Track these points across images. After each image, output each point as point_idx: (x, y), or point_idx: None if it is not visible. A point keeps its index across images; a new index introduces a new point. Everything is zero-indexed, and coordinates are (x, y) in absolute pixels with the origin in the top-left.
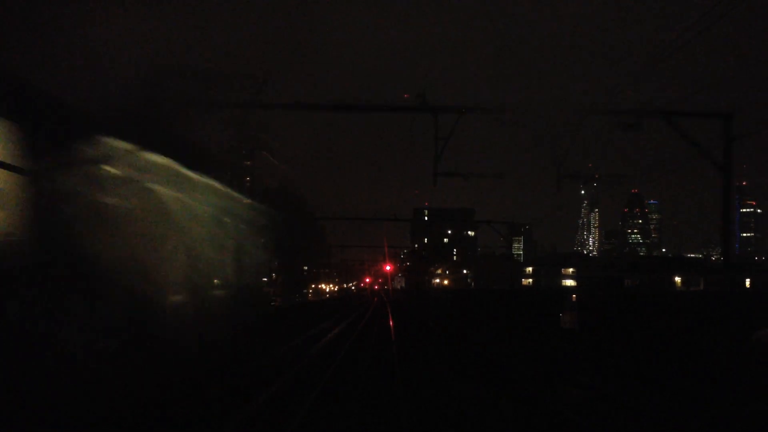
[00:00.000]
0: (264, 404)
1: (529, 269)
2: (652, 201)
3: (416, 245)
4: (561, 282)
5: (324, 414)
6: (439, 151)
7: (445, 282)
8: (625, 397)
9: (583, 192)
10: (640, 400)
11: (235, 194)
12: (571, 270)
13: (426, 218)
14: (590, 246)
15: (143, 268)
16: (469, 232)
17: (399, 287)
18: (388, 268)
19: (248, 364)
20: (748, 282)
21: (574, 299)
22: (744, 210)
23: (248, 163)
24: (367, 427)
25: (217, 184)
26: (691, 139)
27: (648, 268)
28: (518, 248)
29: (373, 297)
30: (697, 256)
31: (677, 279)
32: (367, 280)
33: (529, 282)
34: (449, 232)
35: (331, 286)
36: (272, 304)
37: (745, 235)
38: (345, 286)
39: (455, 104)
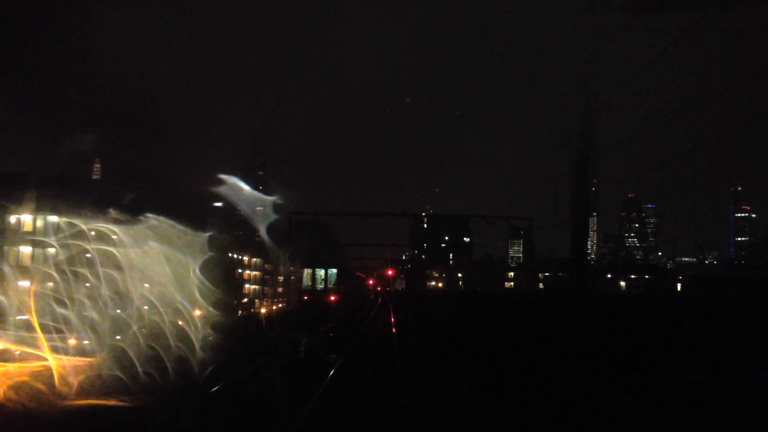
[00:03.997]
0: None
1: (511, 274)
2: (649, 205)
3: (416, 251)
4: (538, 284)
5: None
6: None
7: (440, 284)
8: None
9: None
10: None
11: None
12: (547, 274)
13: (425, 225)
14: (588, 249)
15: None
16: (465, 238)
17: (400, 288)
18: (390, 272)
19: None
20: (679, 286)
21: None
22: (739, 215)
23: (260, 173)
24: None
25: None
26: (517, 227)
27: (601, 273)
28: (518, 251)
29: (377, 298)
30: (691, 260)
31: (622, 284)
32: (371, 282)
33: (511, 285)
34: (446, 237)
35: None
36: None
37: (739, 239)
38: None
39: (425, 213)
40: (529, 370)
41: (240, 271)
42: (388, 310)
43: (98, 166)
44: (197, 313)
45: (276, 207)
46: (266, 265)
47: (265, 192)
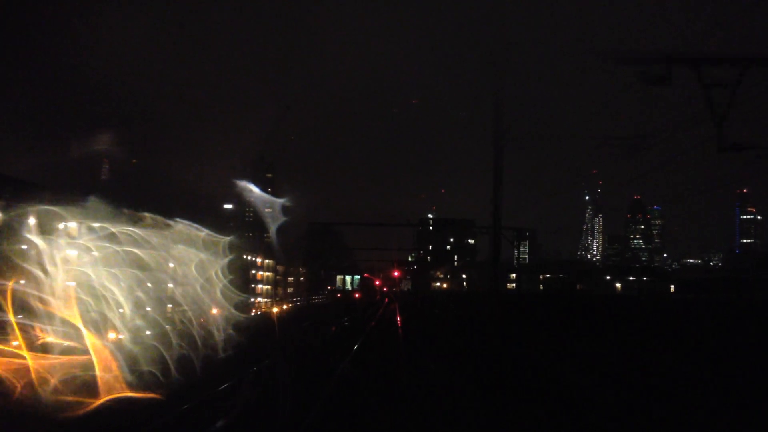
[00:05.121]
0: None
1: (513, 275)
2: (655, 207)
3: (421, 251)
4: (539, 286)
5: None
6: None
7: (444, 285)
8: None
9: (587, 198)
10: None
11: None
12: (548, 275)
13: (430, 227)
14: (594, 251)
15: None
16: (469, 240)
17: (406, 289)
18: (396, 274)
19: None
20: (672, 288)
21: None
22: (744, 217)
23: (269, 175)
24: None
25: None
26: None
27: (597, 275)
28: (523, 252)
29: (383, 298)
30: (696, 261)
31: (618, 285)
32: (377, 282)
33: (512, 286)
34: (452, 240)
35: None
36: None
37: (745, 241)
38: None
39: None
40: (504, 348)
41: (253, 272)
42: (394, 309)
43: (106, 167)
44: (214, 311)
45: (285, 209)
46: (278, 267)
47: (274, 194)
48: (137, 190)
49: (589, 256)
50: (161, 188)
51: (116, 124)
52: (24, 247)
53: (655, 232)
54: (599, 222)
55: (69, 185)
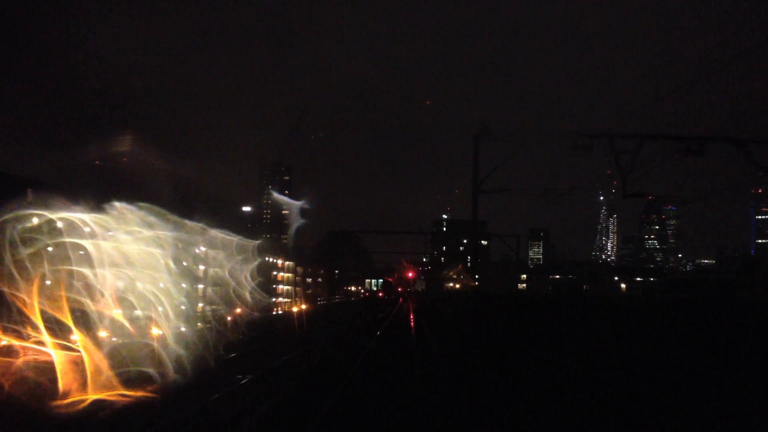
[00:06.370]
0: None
1: (524, 276)
2: (670, 207)
3: (435, 252)
4: (549, 287)
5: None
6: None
7: (457, 286)
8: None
9: (601, 198)
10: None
11: None
12: (557, 276)
13: (444, 229)
14: (608, 251)
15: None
16: (483, 242)
17: (420, 290)
18: (410, 275)
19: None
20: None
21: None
22: (759, 217)
23: (287, 177)
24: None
25: None
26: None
27: (602, 276)
28: (537, 252)
29: (398, 298)
30: (710, 262)
31: (623, 286)
32: (393, 283)
33: (523, 286)
34: (465, 241)
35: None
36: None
37: (760, 241)
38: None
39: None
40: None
41: (274, 273)
42: (408, 307)
43: (125, 161)
44: (238, 311)
45: (302, 211)
46: (298, 268)
47: (292, 197)
48: (157, 192)
49: (603, 257)
50: (181, 191)
51: (132, 126)
52: (81, 252)
53: (669, 232)
54: (614, 222)
55: (86, 187)
